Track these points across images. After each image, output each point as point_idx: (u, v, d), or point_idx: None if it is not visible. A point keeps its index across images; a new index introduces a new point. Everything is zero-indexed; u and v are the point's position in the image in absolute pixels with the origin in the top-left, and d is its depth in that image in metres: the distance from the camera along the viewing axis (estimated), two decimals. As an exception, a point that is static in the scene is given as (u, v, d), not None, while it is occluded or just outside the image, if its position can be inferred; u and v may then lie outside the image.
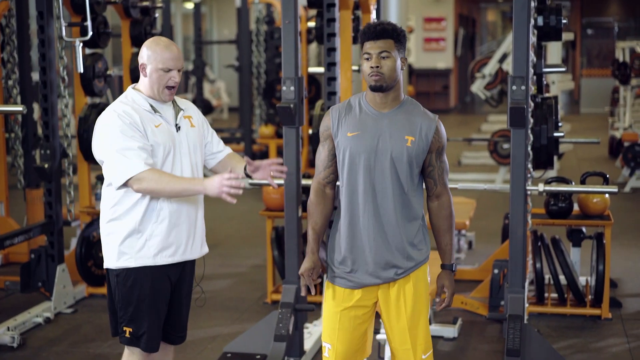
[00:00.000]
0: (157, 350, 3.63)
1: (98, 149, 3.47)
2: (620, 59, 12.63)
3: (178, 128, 3.56)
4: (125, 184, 3.40)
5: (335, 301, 3.40)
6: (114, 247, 3.51)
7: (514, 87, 4.74)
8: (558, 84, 11.53)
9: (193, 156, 3.59)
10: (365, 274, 3.35)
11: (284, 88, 4.84)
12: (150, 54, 3.48)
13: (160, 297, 3.57)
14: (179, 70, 3.51)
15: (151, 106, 3.51)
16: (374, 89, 3.30)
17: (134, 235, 3.48)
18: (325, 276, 3.43)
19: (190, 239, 3.59)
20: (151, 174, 3.36)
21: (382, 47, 3.27)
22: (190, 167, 3.57)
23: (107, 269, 3.58)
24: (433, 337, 5.34)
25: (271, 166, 3.60)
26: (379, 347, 4.79)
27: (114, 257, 3.53)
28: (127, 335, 3.56)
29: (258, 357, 4.87)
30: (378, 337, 4.64)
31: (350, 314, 3.38)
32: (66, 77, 6.23)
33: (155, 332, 3.59)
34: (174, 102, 3.61)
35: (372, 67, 3.26)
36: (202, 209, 3.66)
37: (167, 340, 3.74)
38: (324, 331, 3.44)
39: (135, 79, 6.41)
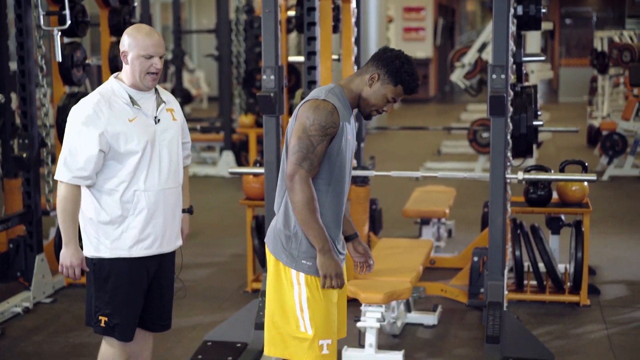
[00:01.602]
0: (131, 339, 3.61)
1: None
2: (599, 49, 12.71)
3: (157, 121, 3.51)
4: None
5: (332, 292, 3.31)
6: (92, 237, 3.52)
7: (494, 76, 4.76)
8: (537, 73, 11.60)
9: (175, 150, 3.56)
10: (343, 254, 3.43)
11: (264, 77, 4.83)
12: (131, 41, 3.46)
13: (135, 289, 3.56)
14: (160, 57, 3.49)
15: (130, 98, 3.46)
16: (367, 118, 3.38)
17: (111, 225, 3.48)
18: (296, 271, 3.31)
19: (167, 231, 3.58)
20: (67, 193, 3.42)
21: None
22: (169, 162, 3.52)
23: (85, 258, 3.57)
24: (413, 324, 5.43)
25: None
26: (359, 335, 4.81)
27: (92, 247, 3.53)
28: (102, 324, 3.56)
29: (239, 345, 4.88)
30: (359, 324, 4.64)
31: (339, 299, 3.39)
32: (44, 66, 6.19)
33: (130, 323, 3.58)
34: (157, 92, 3.57)
35: (385, 110, 3.34)
36: (180, 203, 3.64)
37: (148, 329, 3.73)
38: (322, 328, 3.27)
39: (114, 68, 6.36)
